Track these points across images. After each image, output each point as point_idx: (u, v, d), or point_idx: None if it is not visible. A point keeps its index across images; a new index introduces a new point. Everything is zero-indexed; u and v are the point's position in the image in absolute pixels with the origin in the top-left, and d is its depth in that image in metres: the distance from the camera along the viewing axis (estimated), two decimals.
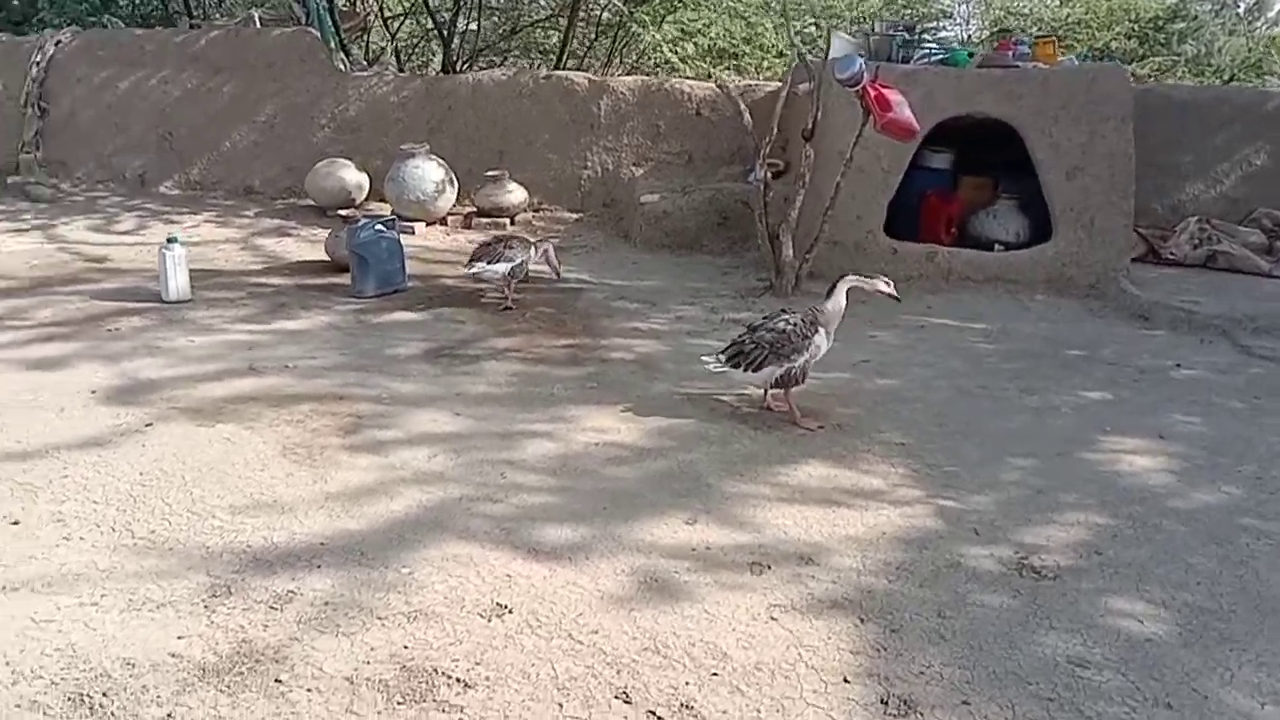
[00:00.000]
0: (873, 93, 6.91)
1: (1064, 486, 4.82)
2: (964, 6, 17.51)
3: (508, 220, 9.91)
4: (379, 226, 7.62)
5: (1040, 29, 14.94)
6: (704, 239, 9.36)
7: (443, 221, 9.89)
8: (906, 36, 8.79)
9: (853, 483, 4.79)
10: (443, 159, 9.86)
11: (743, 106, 8.00)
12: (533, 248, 7.61)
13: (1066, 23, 15.21)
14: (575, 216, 10.29)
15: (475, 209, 10.04)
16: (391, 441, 5.06)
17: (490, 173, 9.96)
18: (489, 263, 7.48)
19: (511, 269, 7.47)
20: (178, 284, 7.29)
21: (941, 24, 16.63)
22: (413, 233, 9.52)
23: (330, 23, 12.08)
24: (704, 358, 5.57)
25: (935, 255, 8.38)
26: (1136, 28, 15.01)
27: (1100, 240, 8.22)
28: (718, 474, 4.82)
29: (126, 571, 3.80)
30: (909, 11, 15.60)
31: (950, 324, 7.51)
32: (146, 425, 5.13)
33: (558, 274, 7.76)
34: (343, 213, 8.41)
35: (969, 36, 16.74)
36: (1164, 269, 8.94)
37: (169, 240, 7.28)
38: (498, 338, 6.79)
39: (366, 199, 10.16)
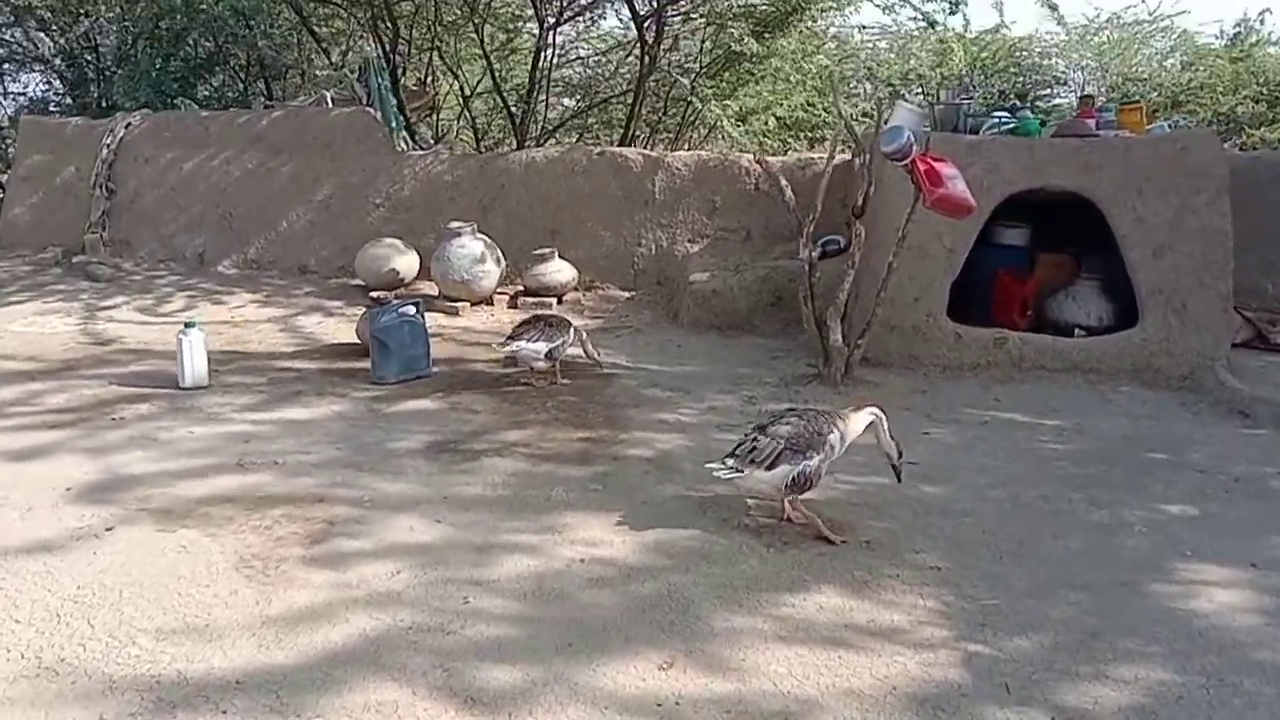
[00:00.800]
0: (922, 166, 6.31)
1: (1124, 629, 4.04)
2: (1078, 73, 16.37)
3: (554, 300, 9.53)
4: (401, 310, 7.30)
5: (1160, 94, 14.01)
6: (755, 320, 8.80)
7: (488, 302, 9.57)
8: (972, 103, 8.14)
9: (869, 618, 4.10)
10: (491, 238, 9.58)
11: (784, 183, 7.48)
12: (572, 329, 7.18)
13: (1189, 87, 14.17)
14: (627, 295, 9.85)
15: (523, 288, 9.70)
16: (356, 554, 4.60)
17: (538, 251, 9.63)
18: (528, 341, 7.08)
19: (550, 349, 7.04)
20: (193, 370, 7.07)
21: (1055, 90, 15.61)
22: (457, 314, 9.23)
23: (393, 101, 12.09)
24: (709, 465, 4.96)
25: (1005, 341, 7.61)
26: (1265, 90, 13.90)
27: (1193, 325, 7.35)
28: (711, 602, 4.20)
29: (13, 707, 3.39)
30: (1020, 80, 14.81)
31: (1018, 420, 6.74)
32: (107, 529, 4.79)
33: (596, 361, 7.30)
34: (375, 294, 8.17)
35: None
36: (1272, 356, 7.96)
37: (186, 326, 7.09)
38: (510, 429, 6.32)
39: (416, 279, 9.93)
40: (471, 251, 9.30)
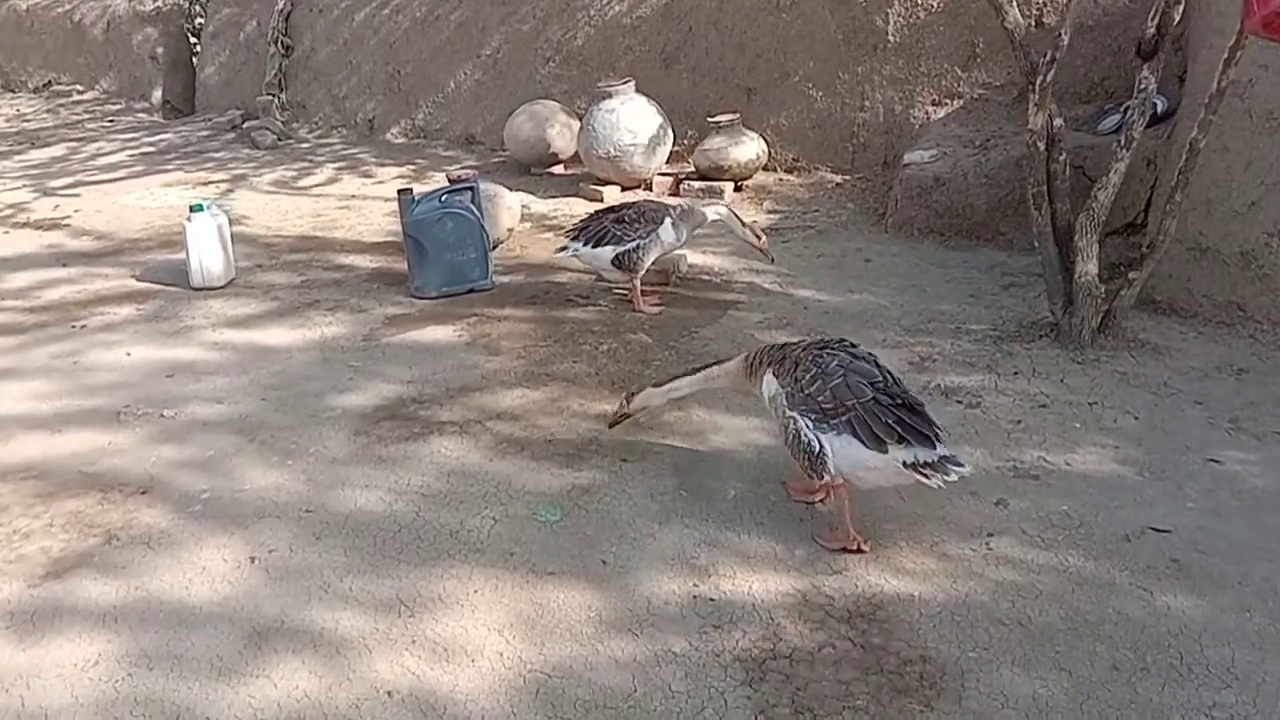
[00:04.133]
0: None
1: None
2: None
3: (730, 184, 7.07)
4: (447, 199, 5.30)
5: None
6: (1000, 224, 5.84)
7: (646, 185, 7.31)
8: None
9: None
10: (662, 103, 7.25)
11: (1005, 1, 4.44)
12: (671, 221, 4.87)
13: None
14: (838, 180, 7.14)
15: (693, 168, 7.32)
16: (73, 611, 2.84)
17: (716, 117, 7.16)
18: (588, 243, 4.92)
19: (621, 255, 4.83)
20: (201, 265, 5.57)
21: None
22: (600, 201, 7.08)
23: None
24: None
25: None
26: None
27: None
28: None
29: None
30: None
31: None
32: None
33: (759, 248, 5.00)
34: (453, 175, 6.21)
35: None
36: None
37: (193, 209, 5.57)
38: (516, 386, 4.21)
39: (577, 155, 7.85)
40: (626, 118, 7.03)
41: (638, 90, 7.19)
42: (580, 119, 7.51)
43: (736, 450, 3.65)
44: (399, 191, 5.35)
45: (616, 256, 4.91)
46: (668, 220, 4.88)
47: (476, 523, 3.23)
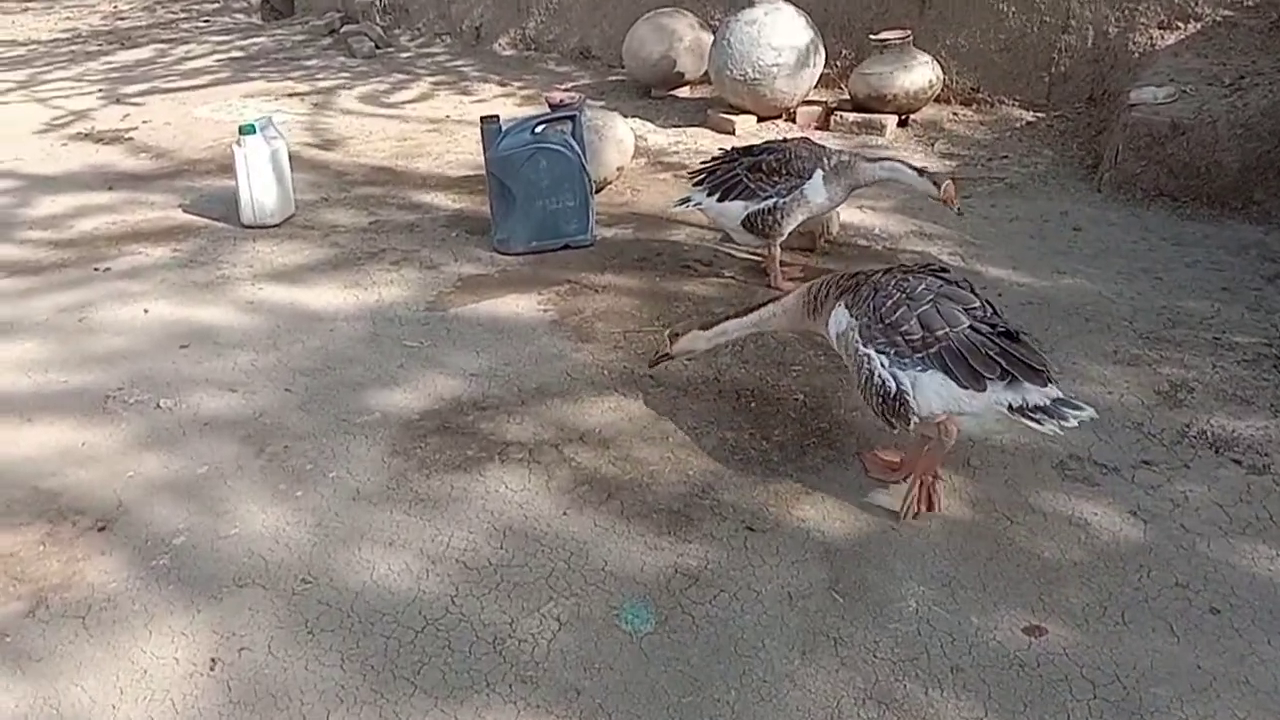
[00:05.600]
0: None
1: None
2: None
3: (894, 118, 5.78)
4: (541, 130, 4.22)
5: None
6: (1256, 190, 4.45)
7: (789, 116, 6.07)
8: None
9: None
10: (809, 12, 5.97)
11: None
12: (824, 174, 3.69)
13: None
14: (1029, 118, 5.77)
15: (848, 96, 6.04)
16: None
17: (881, 35, 5.85)
18: (714, 194, 3.83)
19: (754, 215, 3.73)
20: (253, 199, 4.66)
21: None
22: (732, 132, 5.90)
23: None
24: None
25: None
26: None
27: None
28: None
29: None
30: None
31: None
32: None
33: (943, 199, 3.68)
34: (554, 94, 5.12)
35: None
36: None
37: (243, 130, 4.64)
38: (608, 392, 3.17)
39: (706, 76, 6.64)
40: (769, 31, 5.79)
41: None
42: (714, 32, 6.30)
43: (917, 524, 2.54)
44: (482, 119, 4.28)
45: (749, 217, 3.78)
46: (818, 174, 3.67)
47: (533, 625, 2.23)
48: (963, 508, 2.60)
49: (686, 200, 4.00)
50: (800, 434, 2.95)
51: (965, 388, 2.38)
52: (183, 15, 10.71)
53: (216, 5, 10.87)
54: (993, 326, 2.44)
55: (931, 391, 2.43)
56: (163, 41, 9.51)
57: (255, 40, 9.32)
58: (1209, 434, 2.87)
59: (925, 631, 2.20)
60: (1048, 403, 2.35)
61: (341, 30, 8.91)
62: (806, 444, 2.90)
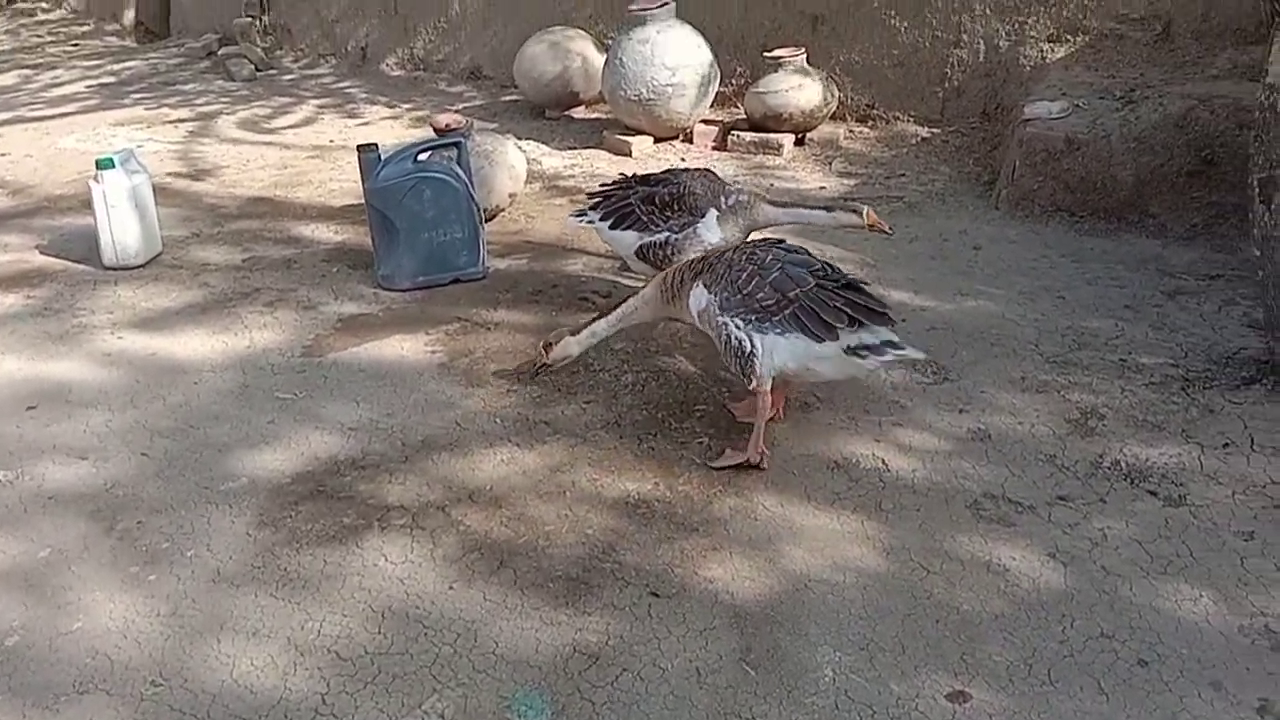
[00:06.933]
0: None
1: None
2: None
3: (790, 137, 5.70)
4: (424, 158, 3.99)
5: None
6: (1151, 203, 4.46)
7: (686, 137, 5.94)
8: None
9: None
10: (703, 30, 5.86)
11: None
12: (718, 215, 3.54)
13: None
14: (924, 134, 5.74)
15: (743, 115, 5.94)
16: None
17: (775, 53, 5.76)
18: (608, 220, 3.67)
19: (646, 246, 3.59)
20: (113, 239, 4.32)
21: None
22: (628, 154, 5.74)
23: None
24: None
25: None
26: None
27: None
28: None
29: None
30: None
31: None
32: None
33: (874, 229, 3.46)
34: (441, 123, 4.88)
35: None
36: None
37: (101, 164, 4.29)
38: (500, 443, 2.95)
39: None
40: (663, 50, 5.65)
41: (678, 15, 5.80)
42: (607, 50, 6.13)
43: (831, 579, 2.38)
44: (359, 148, 4.04)
45: (642, 248, 3.62)
46: (712, 214, 3.53)
47: None
48: (877, 557, 2.46)
49: (582, 214, 3.82)
50: (706, 482, 2.78)
51: (820, 340, 2.70)
52: (50, 39, 10.12)
53: (87, 28, 10.30)
54: (835, 281, 2.78)
55: (787, 349, 2.75)
56: (27, 67, 8.95)
57: (128, 64, 8.83)
58: (1123, 464, 2.79)
59: (844, 705, 2.03)
60: (877, 342, 2.71)
61: (220, 53, 8.49)
62: (713, 492, 2.73)
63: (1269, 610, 2.27)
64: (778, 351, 2.76)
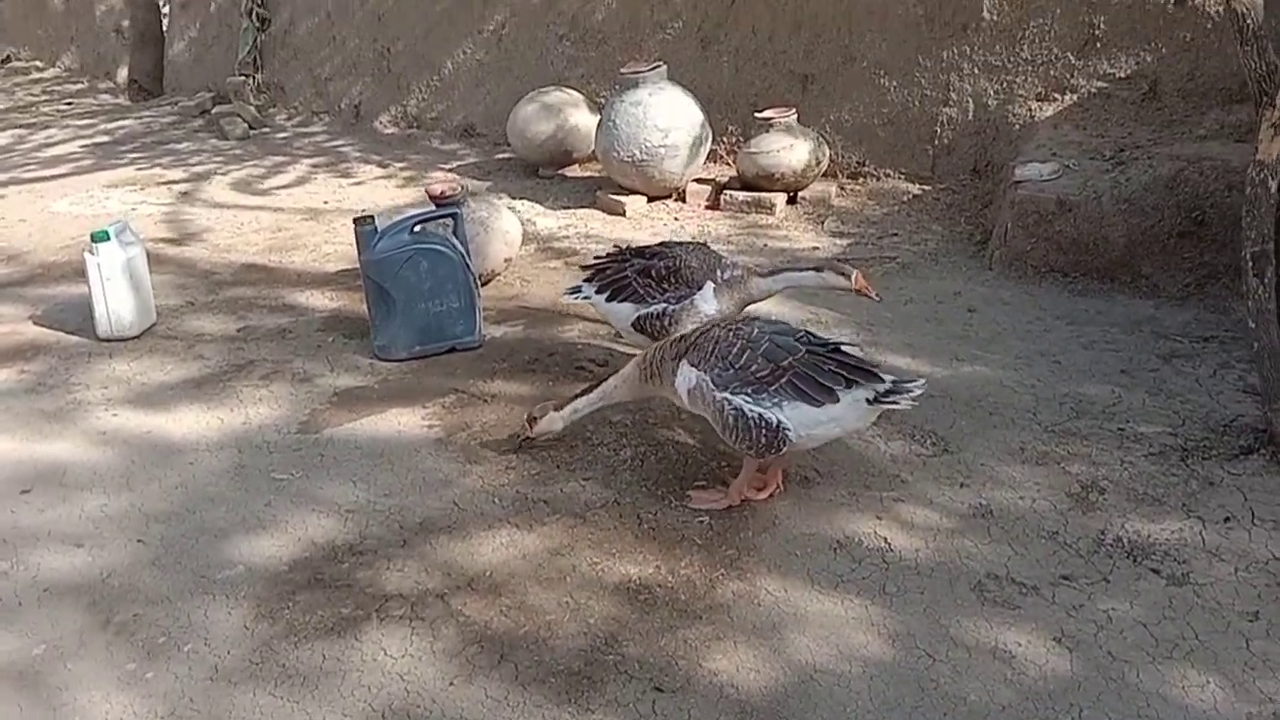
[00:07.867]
0: None
1: None
2: None
3: (782, 196, 5.74)
4: (420, 229, 4.00)
5: None
6: (1143, 264, 4.49)
7: (679, 196, 5.98)
8: None
9: None
10: (697, 93, 5.92)
11: None
12: (714, 288, 3.55)
13: None
14: (915, 191, 5.78)
15: (736, 174, 5.98)
16: None
17: (766, 113, 5.82)
18: (604, 292, 3.67)
19: (643, 318, 3.59)
20: (108, 311, 4.31)
21: None
22: (622, 213, 5.76)
23: None
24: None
25: None
26: None
27: None
28: None
29: None
30: None
31: None
32: None
33: (862, 293, 3.49)
34: (436, 185, 4.91)
35: None
36: None
37: (95, 238, 4.30)
38: (499, 525, 2.93)
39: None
40: (655, 112, 5.70)
41: (670, 77, 5.86)
42: (599, 110, 6.19)
43: (837, 669, 2.36)
44: (355, 220, 4.05)
45: (638, 319, 3.63)
46: (709, 286, 3.56)
47: None
48: (882, 645, 2.44)
49: (577, 290, 3.83)
50: (708, 564, 2.76)
51: (820, 405, 2.77)
52: (44, 97, 10.15)
53: (81, 86, 10.35)
54: (823, 346, 2.88)
55: (794, 418, 2.80)
56: (21, 126, 8.98)
57: (122, 123, 8.87)
58: (1125, 540, 2.78)
59: None
60: (891, 386, 2.81)
61: (214, 111, 8.53)
62: (715, 576, 2.72)
63: (1277, 697, 2.25)
64: (789, 419, 2.80)
